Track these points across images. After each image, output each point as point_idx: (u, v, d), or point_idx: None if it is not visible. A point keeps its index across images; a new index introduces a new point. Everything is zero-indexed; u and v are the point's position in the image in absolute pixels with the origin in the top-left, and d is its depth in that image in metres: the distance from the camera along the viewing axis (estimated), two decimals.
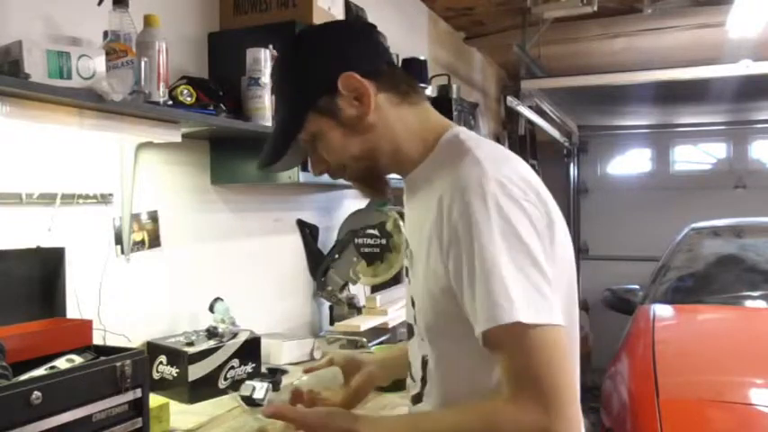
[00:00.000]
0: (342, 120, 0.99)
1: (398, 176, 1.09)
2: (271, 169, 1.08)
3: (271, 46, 1.97)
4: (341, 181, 1.12)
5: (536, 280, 0.86)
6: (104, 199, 1.79)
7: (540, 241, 0.89)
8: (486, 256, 0.86)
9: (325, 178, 1.13)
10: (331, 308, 2.72)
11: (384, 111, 1.00)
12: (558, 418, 0.82)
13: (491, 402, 0.89)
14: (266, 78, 1.94)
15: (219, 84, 1.97)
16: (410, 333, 1.09)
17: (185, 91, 1.77)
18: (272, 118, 1.14)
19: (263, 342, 2.06)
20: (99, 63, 1.44)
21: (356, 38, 1.05)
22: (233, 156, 2.16)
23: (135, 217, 1.88)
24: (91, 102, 1.40)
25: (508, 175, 0.91)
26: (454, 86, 3.34)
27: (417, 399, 1.08)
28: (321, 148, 1.03)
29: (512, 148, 5.79)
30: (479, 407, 0.91)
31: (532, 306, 0.84)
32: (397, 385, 1.35)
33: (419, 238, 0.99)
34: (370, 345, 2.39)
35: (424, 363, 1.03)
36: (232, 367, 1.91)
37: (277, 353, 2.21)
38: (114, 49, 1.50)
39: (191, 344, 1.87)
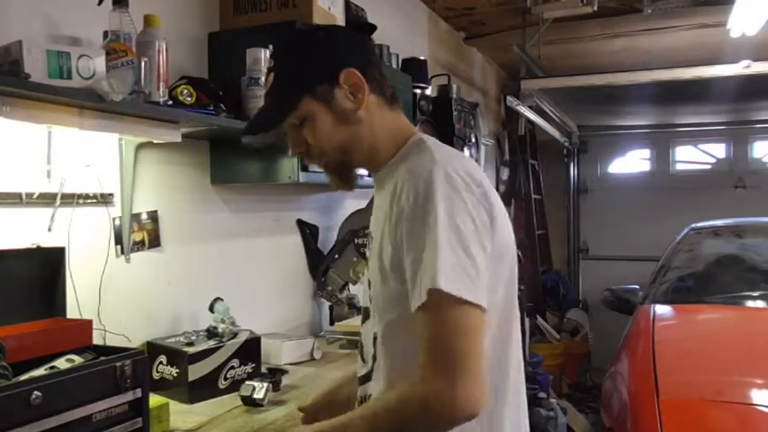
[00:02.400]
0: (334, 109, 1.09)
1: (368, 172, 1.19)
2: (253, 140, 1.15)
3: (271, 46, 1.97)
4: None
5: (464, 261, 0.94)
6: (104, 199, 1.79)
7: (476, 231, 0.98)
8: (423, 234, 0.95)
9: (325, 178, 1.18)
10: (331, 308, 2.72)
11: (371, 110, 1.11)
12: (460, 390, 0.89)
13: (401, 389, 0.97)
14: (264, 79, 1.94)
15: (219, 84, 1.97)
16: (366, 315, 1.17)
17: (185, 91, 1.77)
18: (266, 94, 1.16)
19: (263, 342, 2.06)
20: (99, 63, 1.44)
21: (360, 42, 1.17)
22: (233, 156, 2.16)
23: (135, 217, 1.88)
24: (91, 102, 1.40)
25: (456, 168, 1.01)
26: (454, 86, 3.35)
27: (365, 379, 1.15)
28: (306, 131, 1.11)
29: (512, 148, 5.81)
30: (392, 396, 0.99)
31: (458, 281, 0.92)
32: None
33: (377, 226, 1.10)
34: None
35: (374, 339, 1.11)
36: (232, 367, 1.91)
37: (277, 353, 2.21)
38: (114, 49, 1.50)
39: (191, 344, 1.87)
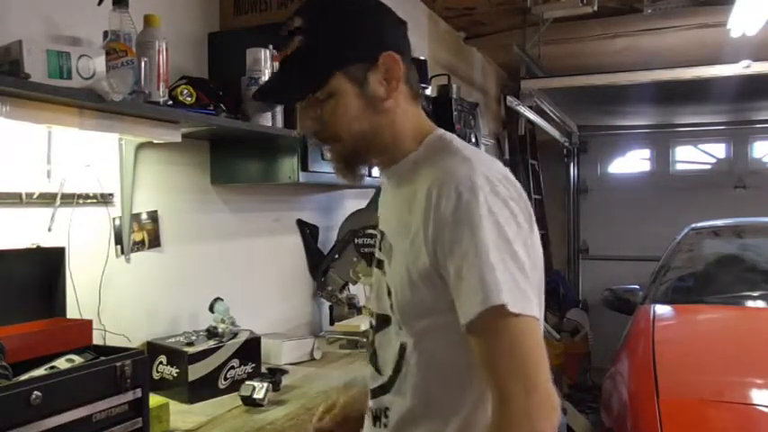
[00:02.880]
0: (365, 93, 0.99)
1: (380, 166, 1.10)
2: (270, 100, 1.07)
3: (271, 46, 1.97)
4: (341, 181, 1.12)
5: (517, 275, 0.89)
6: (104, 199, 1.79)
7: (522, 238, 0.93)
8: (475, 247, 0.89)
9: (325, 178, 1.14)
10: (331, 308, 2.72)
11: (399, 101, 1.02)
12: (540, 419, 0.85)
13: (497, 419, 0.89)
14: (266, 78, 1.94)
15: (219, 84, 1.97)
16: (383, 323, 1.07)
17: (185, 91, 1.77)
18: (289, 57, 1.01)
19: (263, 342, 2.06)
20: (99, 63, 1.44)
21: (395, 22, 1.05)
22: (233, 156, 2.16)
23: (135, 217, 1.88)
24: (91, 102, 1.40)
25: (494, 173, 0.95)
26: (454, 86, 3.34)
27: (381, 390, 1.07)
28: (327, 110, 1.00)
29: (512, 148, 5.81)
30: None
31: (514, 296, 0.87)
32: None
33: (399, 230, 1.01)
34: None
35: (402, 350, 1.03)
36: (232, 367, 1.91)
37: (277, 353, 2.22)
38: (114, 49, 1.50)
39: (191, 344, 1.87)
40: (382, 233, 1.10)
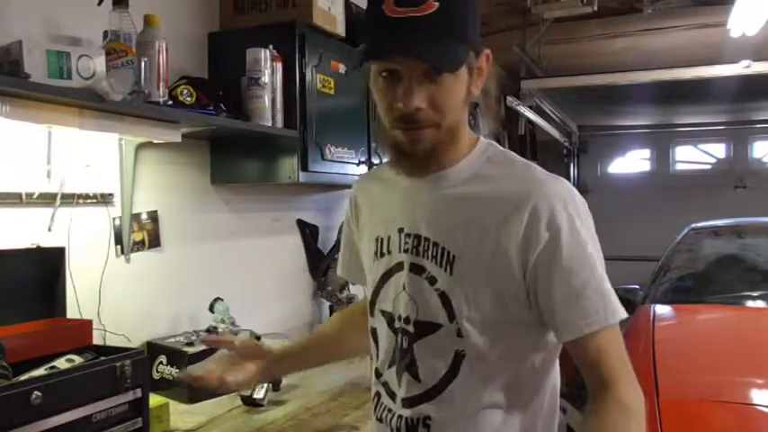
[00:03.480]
0: (469, 81, 0.99)
1: (428, 166, 1.03)
2: (415, 57, 0.91)
3: (271, 46, 1.97)
4: (341, 181, 1.11)
5: (610, 286, 0.99)
6: (104, 199, 1.79)
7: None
8: (585, 264, 0.96)
9: (325, 178, 1.13)
10: (331, 308, 2.72)
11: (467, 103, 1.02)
12: (640, 392, 0.99)
13: (614, 407, 0.97)
14: (266, 78, 1.94)
15: (219, 84, 1.97)
16: (427, 331, 1.04)
17: (185, 91, 1.77)
18: (439, 25, 0.91)
19: (263, 342, 2.06)
20: (99, 63, 1.44)
21: None
22: (233, 156, 2.16)
23: (135, 217, 1.88)
24: (91, 102, 1.40)
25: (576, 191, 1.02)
26: None
27: (421, 399, 1.04)
28: (445, 90, 0.95)
29: (512, 148, 5.78)
30: (615, 415, 0.96)
31: (621, 308, 0.97)
32: None
33: (467, 240, 0.99)
34: None
35: (459, 357, 1.01)
36: None
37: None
38: (114, 49, 1.50)
39: (191, 344, 1.87)
40: (415, 237, 1.05)
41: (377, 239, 1.11)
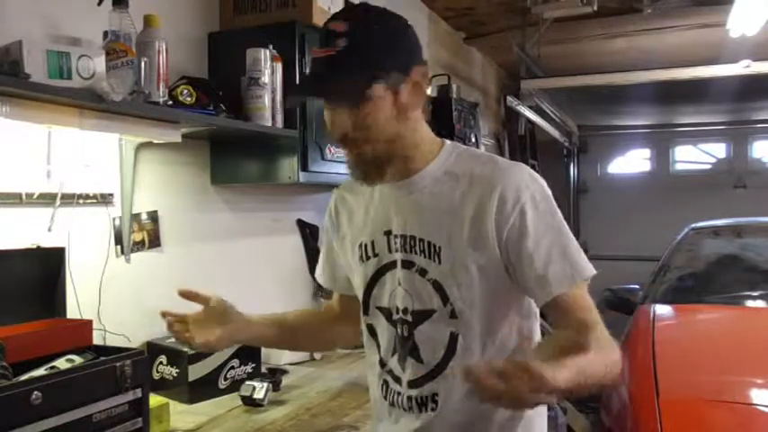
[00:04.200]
0: (397, 101, 1.08)
1: (398, 175, 1.16)
2: (318, 96, 1.15)
3: (270, 46, 1.97)
4: (341, 181, 1.17)
5: (579, 248, 1.11)
6: (104, 199, 1.79)
7: None
8: (554, 231, 1.09)
9: (325, 178, 1.18)
10: None
11: (418, 111, 1.13)
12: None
13: (595, 335, 1.05)
14: (266, 78, 1.94)
15: (219, 84, 1.97)
16: (423, 318, 1.15)
17: (185, 91, 1.77)
18: (334, 58, 1.05)
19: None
20: (99, 63, 1.44)
21: (420, 47, 1.15)
22: (233, 156, 2.16)
23: (135, 217, 1.88)
24: (91, 102, 1.40)
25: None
26: (454, 86, 3.34)
27: (426, 379, 1.15)
28: (365, 114, 1.06)
29: (512, 148, 5.81)
30: (598, 340, 1.05)
31: (590, 266, 1.11)
32: None
33: (452, 231, 1.11)
34: None
35: (453, 338, 1.13)
36: (232, 367, 1.91)
37: (277, 353, 2.21)
38: (114, 49, 1.49)
39: None
40: (401, 237, 1.15)
41: (360, 245, 1.21)
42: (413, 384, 1.17)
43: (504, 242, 1.08)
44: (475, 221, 1.09)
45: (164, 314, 1.33)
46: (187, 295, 1.33)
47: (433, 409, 1.15)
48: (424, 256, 1.13)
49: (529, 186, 1.09)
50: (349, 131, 1.07)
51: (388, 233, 1.17)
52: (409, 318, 1.16)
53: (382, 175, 1.12)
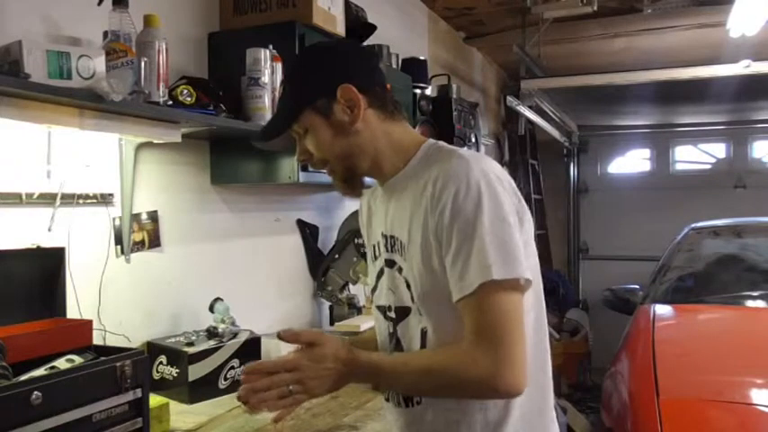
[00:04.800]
0: (332, 122, 1.15)
1: (378, 181, 1.23)
2: (263, 146, 1.24)
3: (270, 46, 1.97)
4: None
5: (510, 241, 1.04)
6: (104, 199, 1.79)
7: (516, 225, 1.06)
8: (468, 230, 1.03)
9: (325, 178, 1.22)
10: (331, 308, 2.72)
11: (370, 122, 1.17)
12: (504, 377, 1.00)
13: (458, 346, 1.05)
14: (266, 78, 1.94)
15: (219, 84, 1.97)
16: (404, 314, 1.19)
17: (185, 91, 1.77)
18: (279, 101, 1.27)
19: (263, 342, 2.06)
20: (99, 63, 1.44)
21: (361, 59, 1.23)
22: (233, 156, 2.16)
23: (135, 217, 1.88)
24: (91, 102, 1.40)
25: (489, 167, 1.09)
26: (454, 86, 3.35)
27: None
28: (309, 141, 1.18)
29: (512, 148, 5.81)
30: (449, 348, 1.07)
31: (506, 265, 1.02)
32: None
33: (410, 228, 1.14)
34: None
35: (423, 334, 1.15)
36: (232, 367, 1.91)
37: (277, 353, 2.21)
38: (114, 49, 1.50)
39: (191, 344, 1.87)
40: (388, 237, 1.21)
41: (373, 246, 1.28)
42: None
43: (437, 239, 1.08)
44: (424, 218, 1.10)
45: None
46: (288, 338, 1.31)
47: (418, 403, 1.17)
48: (400, 255, 1.18)
49: (457, 181, 1.06)
50: (311, 152, 1.19)
51: (383, 234, 1.23)
52: (393, 315, 1.22)
53: (354, 186, 1.21)
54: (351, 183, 1.21)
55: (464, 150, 1.15)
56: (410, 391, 1.15)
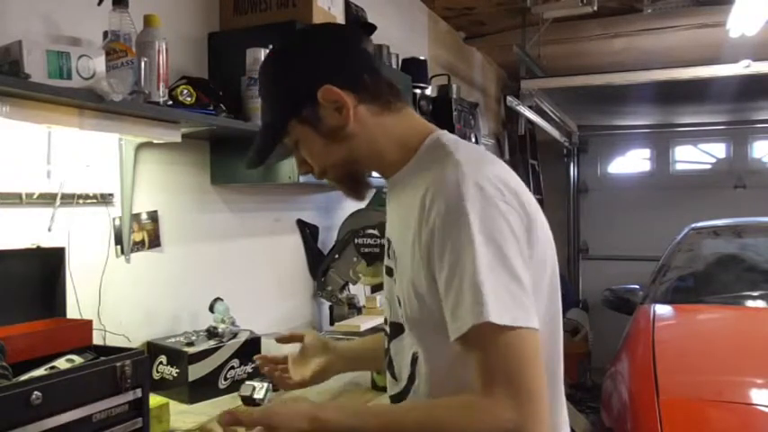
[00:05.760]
0: (322, 129, 1.03)
1: (383, 177, 1.13)
2: (257, 163, 1.12)
3: (270, 46, 1.96)
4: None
5: (509, 284, 0.87)
6: (104, 199, 1.79)
7: (516, 244, 0.90)
8: (459, 257, 0.88)
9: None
10: (331, 308, 2.72)
11: (364, 120, 1.03)
12: (529, 419, 0.83)
13: (465, 396, 0.88)
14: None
15: (219, 84, 1.97)
16: (397, 332, 1.08)
17: (185, 91, 1.77)
18: (261, 119, 1.16)
19: (263, 342, 2.06)
20: (99, 63, 1.44)
21: (339, 49, 1.07)
22: (233, 156, 2.16)
23: (135, 217, 1.88)
24: (91, 102, 1.40)
25: (487, 176, 0.93)
26: (454, 86, 3.35)
27: (398, 398, 1.08)
28: (304, 152, 1.08)
29: (512, 148, 5.81)
30: (453, 399, 0.90)
31: (505, 308, 0.85)
32: None
33: (403, 239, 1.01)
34: None
35: (414, 360, 1.03)
36: (232, 367, 1.91)
37: (277, 353, 2.21)
38: (114, 49, 1.49)
39: (191, 344, 1.87)
40: (389, 240, 1.11)
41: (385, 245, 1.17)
42: (391, 401, 1.11)
43: (428, 260, 0.93)
44: (417, 229, 0.96)
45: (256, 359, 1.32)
46: (283, 341, 1.32)
47: None
48: (394, 264, 1.07)
49: (448, 197, 0.91)
50: (307, 167, 1.10)
51: (387, 237, 1.13)
52: (388, 329, 1.11)
53: (358, 190, 1.12)
54: (354, 186, 1.12)
55: (463, 153, 0.98)
56: None
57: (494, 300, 0.85)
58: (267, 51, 1.92)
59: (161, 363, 1.85)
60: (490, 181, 0.92)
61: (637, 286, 3.76)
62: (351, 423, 0.90)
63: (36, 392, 1.19)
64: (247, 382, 1.81)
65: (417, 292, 0.97)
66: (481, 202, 0.89)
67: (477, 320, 0.84)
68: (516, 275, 0.88)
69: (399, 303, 1.04)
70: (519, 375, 0.84)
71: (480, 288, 0.85)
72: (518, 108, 4.59)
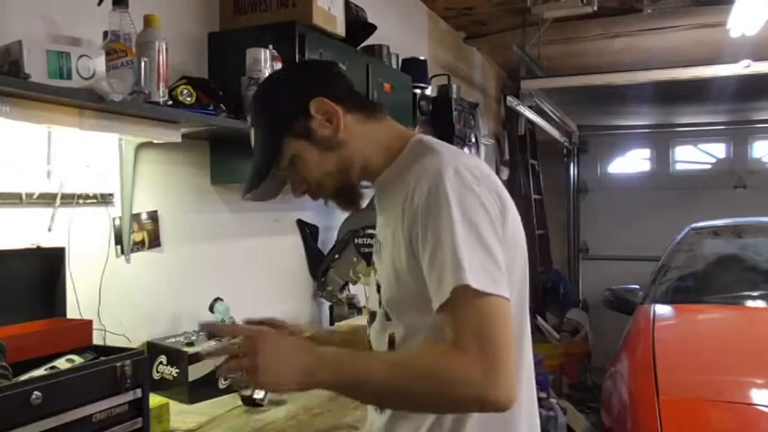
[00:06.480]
0: (316, 140, 1.10)
1: (368, 183, 1.18)
2: (254, 196, 1.18)
3: (270, 46, 1.97)
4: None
5: (485, 260, 0.96)
6: (104, 199, 1.79)
7: (492, 225, 0.99)
8: (441, 234, 0.96)
9: None
10: (331, 308, 2.72)
11: (353, 128, 1.12)
12: (493, 385, 0.91)
13: (440, 345, 0.96)
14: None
15: (219, 84, 1.97)
16: (372, 319, 1.17)
17: (185, 91, 1.77)
18: (253, 148, 1.18)
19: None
20: (99, 63, 1.44)
21: (321, 71, 1.21)
22: (233, 156, 2.15)
23: (135, 217, 1.88)
24: (91, 102, 1.40)
25: (465, 164, 1.03)
26: (454, 86, 3.35)
27: None
28: (300, 169, 1.13)
29: (512, 148, 5.80)
30: (429, 347, 1.00)
31: (481, 276, 0.94)
32: None
33: (387, 228, 1.11)
34: None
35: (391, 341, 1.10)
36: None
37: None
38: (114, 49, 1.49)
39: (191, 344, 1.87)
40: (379, 242, 1.18)
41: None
42: None
43: (409, 239, 1.02)
44: (401, 217, 1.04)
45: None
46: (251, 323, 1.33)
47: (384, 412, 1.13)
48: (378, 257, 1.16)
49: (430, 181, 1.00)
50: (304, 186, 1.15)
51: (376, 236, 1.21)
52: (368, 317, 1.20)
53: (353, 200, 1.17)
54: (349, 198, 1.17)
55: (441, 147, 1.09)
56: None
57: (470, 268, 0.93)
58: (267, 51, 1.95)
59: (161, 363, 1.85)
60: (468, 168, 1.02)
61: (637, 286, 3.77)
62: (349, 380, 0.98)
63: (36, 392, 1.19)
64: None
65: (396, 269, 1.06)
66: (460, 187, 0.99)
67: (457, 283, 0.93)
68: (491, 252, 0.97)
69: (379, 290, 1.13)
70: (490, 336, 0.92)
71: (461, 262, 0.93)
72: (518, 108, 4.59)
